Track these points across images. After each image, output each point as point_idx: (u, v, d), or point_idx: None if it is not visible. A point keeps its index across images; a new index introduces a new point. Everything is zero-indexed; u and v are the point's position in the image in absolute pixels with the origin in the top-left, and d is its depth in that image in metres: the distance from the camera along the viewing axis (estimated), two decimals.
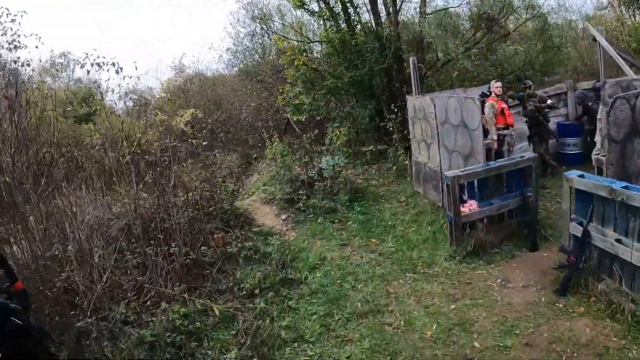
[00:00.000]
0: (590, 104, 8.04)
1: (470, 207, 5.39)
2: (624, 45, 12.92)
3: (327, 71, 11.03)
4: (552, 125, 8.42)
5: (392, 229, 7.08)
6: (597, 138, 7.08)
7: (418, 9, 11.20)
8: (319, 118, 12.26)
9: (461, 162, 6.26)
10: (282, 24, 16.16)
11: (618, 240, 3.97)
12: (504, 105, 7.11)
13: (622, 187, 3.86)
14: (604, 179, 4.28)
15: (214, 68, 28.52)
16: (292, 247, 6.54)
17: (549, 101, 7.75)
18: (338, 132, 11.41)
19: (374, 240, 6.78)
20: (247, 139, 14.54)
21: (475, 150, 5.86)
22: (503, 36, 11.84)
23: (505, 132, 7.12)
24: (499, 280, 4.93)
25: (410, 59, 8.40)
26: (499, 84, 7.19)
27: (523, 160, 5.53)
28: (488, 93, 7.28)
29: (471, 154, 5.97)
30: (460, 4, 11.60)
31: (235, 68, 21.29)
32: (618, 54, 6.94)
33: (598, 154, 7.12)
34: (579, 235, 4.37)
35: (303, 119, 12.01)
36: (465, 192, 5.42)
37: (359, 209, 8.03)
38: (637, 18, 13.79)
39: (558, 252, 5.01)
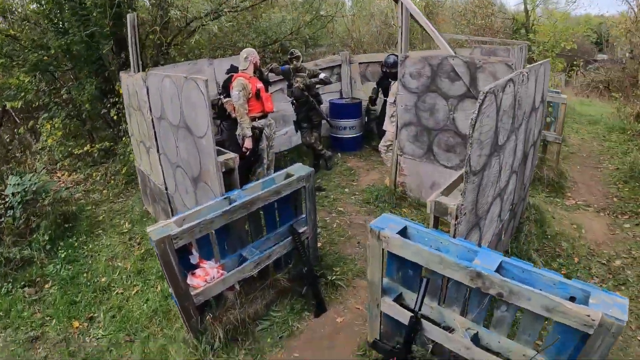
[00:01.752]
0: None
1: (205, 275, 2.97)
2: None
3: (30, 38, 6.96)
4: (324, 105, 6.78)
5: (107, 294, 4.23)
6: (388, 126, 5.65)
7: None
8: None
9: (189, 185, 3.77)
10: None
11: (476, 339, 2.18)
12: (260, 85, 4.91)
13: (493, 272, 2.02)
14: (449, 240, 2.35)
15: None
16: None
17: (322, 75, 5.96)
18: (48, 126, 7.49)
19: (76, 325, 3.86)
20: None
21: (205, 171, 3.40)
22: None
23: (262, 122, 4.97)
24: None
25: (128, 17, 5.32)
26: (254, 52, 4.93)
27: (289, 184, 3.39)
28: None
29: (200, 177, 3.51)
30: None
31: None
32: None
33: (389, 147, 5.74)
34: (400, 320, 2.49)
35: (19, 106, 7.63)
36: (195, 250, 2.94)
37: (64, 255, 4.86)
38: None
39: (357, 310, 3.23)
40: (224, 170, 3.33)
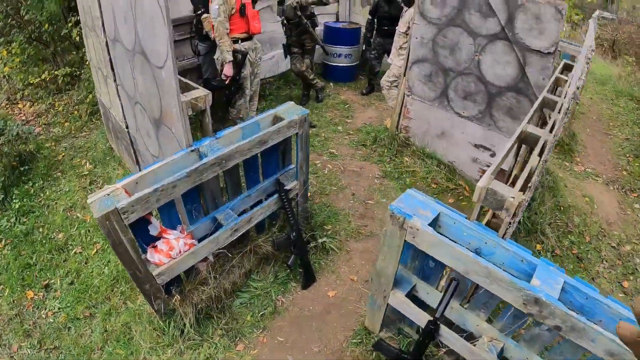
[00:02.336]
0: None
1: (169, 249, 2.36)
2: None
3: None
4: (319, 28, 5.81)
5: (64, 254, 3.65)
6: (395, 60, 4.80)
7: None
8: None
9: (150, 127, 2.98)
10: None
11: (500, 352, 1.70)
12: (246, 0, 3.95)
13: (557, 301, 1.45)
14: (497, 242, 1.72)
15: None
16: None
17: None
18: (5, 52, 6.28)
19: (31, 296, 3.34)
20: None
21: (167, 112, 2.61)
22: None
23: (247, 45, 4.09)
24: None
25: None
26: None
27: (278, 131, 2.68)
28: None
29: (161, 119, 2.73)
30: None
31: None
32: None
33: (393, 83, 4.93)
34: (416, 322, 2.01)
35: None
36: (154, 219, 2.30)
37: (17, 205, 4.20)
38: None
39: (351, 281, 2.87)
40: (191, 113, 2.57)
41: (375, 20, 5.52)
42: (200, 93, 2.76)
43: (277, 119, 2.85)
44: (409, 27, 4.38)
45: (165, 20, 2.10)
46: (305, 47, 5.13)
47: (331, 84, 6.34)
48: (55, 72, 5.91)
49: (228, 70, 3.91)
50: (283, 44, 5.17)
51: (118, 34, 2.85)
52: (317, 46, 5.26)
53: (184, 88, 2.91)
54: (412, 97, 4.38)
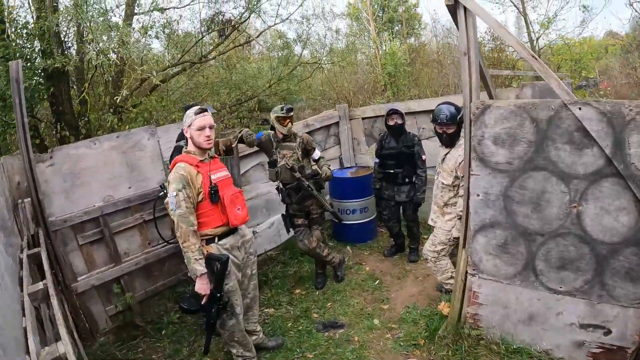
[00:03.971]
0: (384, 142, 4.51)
1: None
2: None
3: None
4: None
5: None
6: (439, 220, 3.54)
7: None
8: None
9: None
10: None
11: None
12: (222, 175, 2.79)
13: None
14: None
15: None
16: None
17: (317, 153, 3.90)
18: None
19: None
20: None
21: None
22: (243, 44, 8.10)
23: (228, 243, 2.78)
24: None
25: (12, 66, 3.29)
26: (207, 118, 2.77)
27: None
28: (183, 144, 2.90)
29: None
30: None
31: None
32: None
33: (441, 253, 3.58)
34: None
35: None
36: None
37: None
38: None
39: None
40: None
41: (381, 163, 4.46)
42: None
43: None
44: (457, 177, 3.19)
45: None
46: (312, 216, 3.91)
47: (348, 249, 5.02)
48: None
49: (201, 287, 2.56)
50: (283, 216, 3.96)
51: None
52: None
53: None
54: (479, 276, 2.97)
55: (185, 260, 2.58)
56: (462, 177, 3.04)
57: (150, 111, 6.49)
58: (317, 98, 11.32)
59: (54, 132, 5.76)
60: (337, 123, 5.80)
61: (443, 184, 3.34)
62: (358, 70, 11.76)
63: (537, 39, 10.85)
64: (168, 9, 6.90)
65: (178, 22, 7.09)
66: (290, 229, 3.95)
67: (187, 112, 2.69)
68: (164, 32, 6.60)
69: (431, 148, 5.16)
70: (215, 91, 7.52)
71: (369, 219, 5.15)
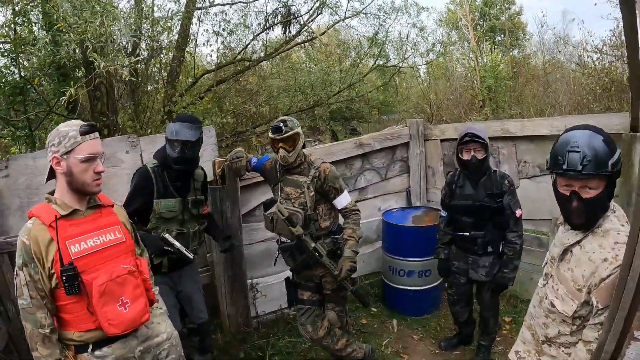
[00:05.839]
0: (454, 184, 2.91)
1: None
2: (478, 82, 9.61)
3: None
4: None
5: None
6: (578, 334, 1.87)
7: None
8: None
9: None
10: None
11: None
12: (95, 242, 1.51)
13: None
14: None
15: None
16: None
17: (344, 197, 2.51)
18: None
19: None
20: None
21: None
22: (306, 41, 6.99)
23: (116, 353, 1.56)
24: None
25: None
26: (98, 142, 1.53)
27: None
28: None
29: None
30: None
31: None
32: None
33: None
34: None
35: None
36: None
37: None
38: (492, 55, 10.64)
39: None
40: None
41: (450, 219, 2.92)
42: None
43: None
44: (587, 303, 1.59)
45: None
46: (325, 291, 2.58)
47: (394, 323, 3.55)
48: None
49: None
50: (287, 281, 2.68)
51: None
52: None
53: None
54: None
55: None
56: (602, 309, 1.41)
57: (205, 112, 5.73)
58: (409, 111, 9.92)
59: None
60: (406, 144, 4.30)
61: (553, 306, 1.68)
62: (453, 83, 10.03)
63: None
64: (235, 3, 6.15)
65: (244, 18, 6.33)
66: (294, 305, 2.67)
67: (61, 128, 1.54)
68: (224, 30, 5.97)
69: (533, 191, 3.51)
70: (275, 95, 6.49)
71: (431, 285, 3.61)
